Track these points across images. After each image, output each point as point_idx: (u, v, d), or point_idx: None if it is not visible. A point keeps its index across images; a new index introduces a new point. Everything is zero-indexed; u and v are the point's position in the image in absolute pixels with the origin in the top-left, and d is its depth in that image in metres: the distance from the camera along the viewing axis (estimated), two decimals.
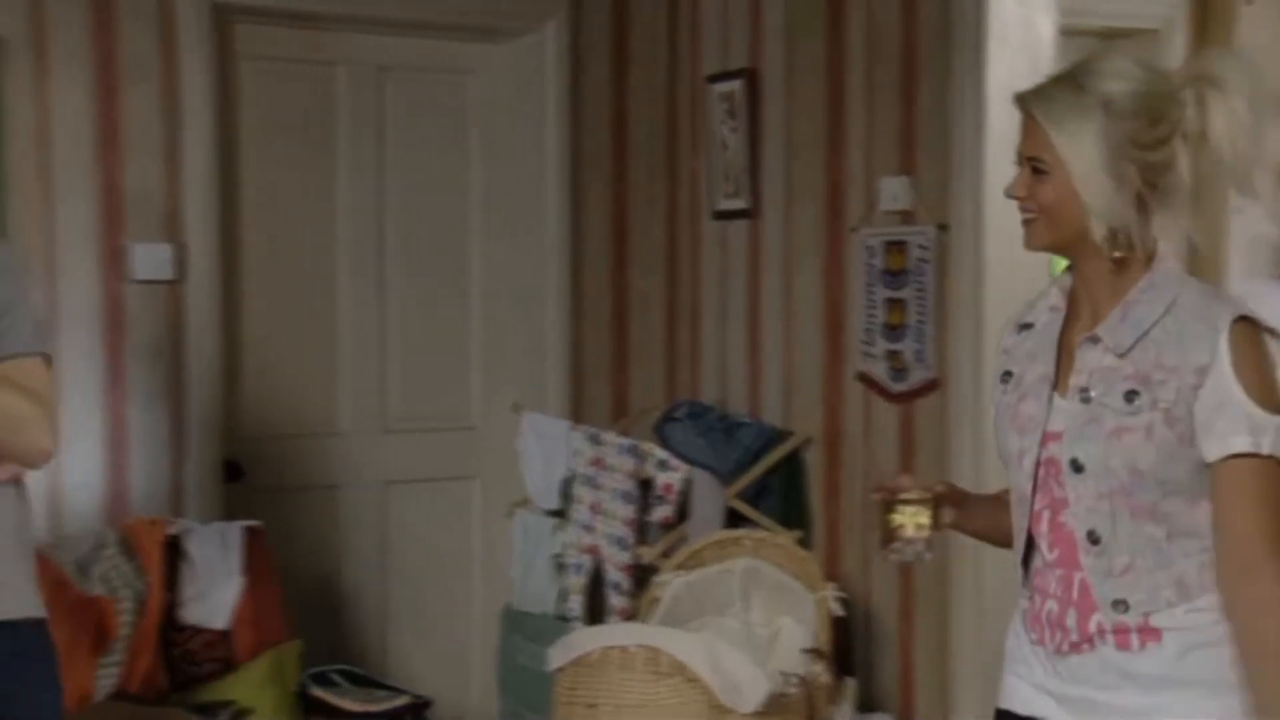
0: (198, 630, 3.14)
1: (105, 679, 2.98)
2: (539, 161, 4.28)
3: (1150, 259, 1.83)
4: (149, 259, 3.64)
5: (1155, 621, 1.79)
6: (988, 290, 3.38)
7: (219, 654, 3.15)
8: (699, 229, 4.33)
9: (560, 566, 3.94)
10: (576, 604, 3.87)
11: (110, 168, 3.61)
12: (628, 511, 3.79)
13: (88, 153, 3.59)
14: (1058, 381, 1.88)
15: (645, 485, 3.82)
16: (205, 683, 3.13)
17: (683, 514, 3.79)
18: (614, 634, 3.20)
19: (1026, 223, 1.87)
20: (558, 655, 3.13)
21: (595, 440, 3.90)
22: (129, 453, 3.65)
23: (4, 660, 2.08)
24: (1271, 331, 1.80)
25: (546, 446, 4.02)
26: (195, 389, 3.73)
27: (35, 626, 2.14)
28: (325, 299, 4.10)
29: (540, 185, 4.29)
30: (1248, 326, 1.77)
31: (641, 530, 3.82)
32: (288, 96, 4.02)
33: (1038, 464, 1.86)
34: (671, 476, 3.78)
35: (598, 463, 3.87)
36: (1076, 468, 1.82)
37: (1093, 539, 1.82)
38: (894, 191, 3.64)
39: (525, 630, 3.91)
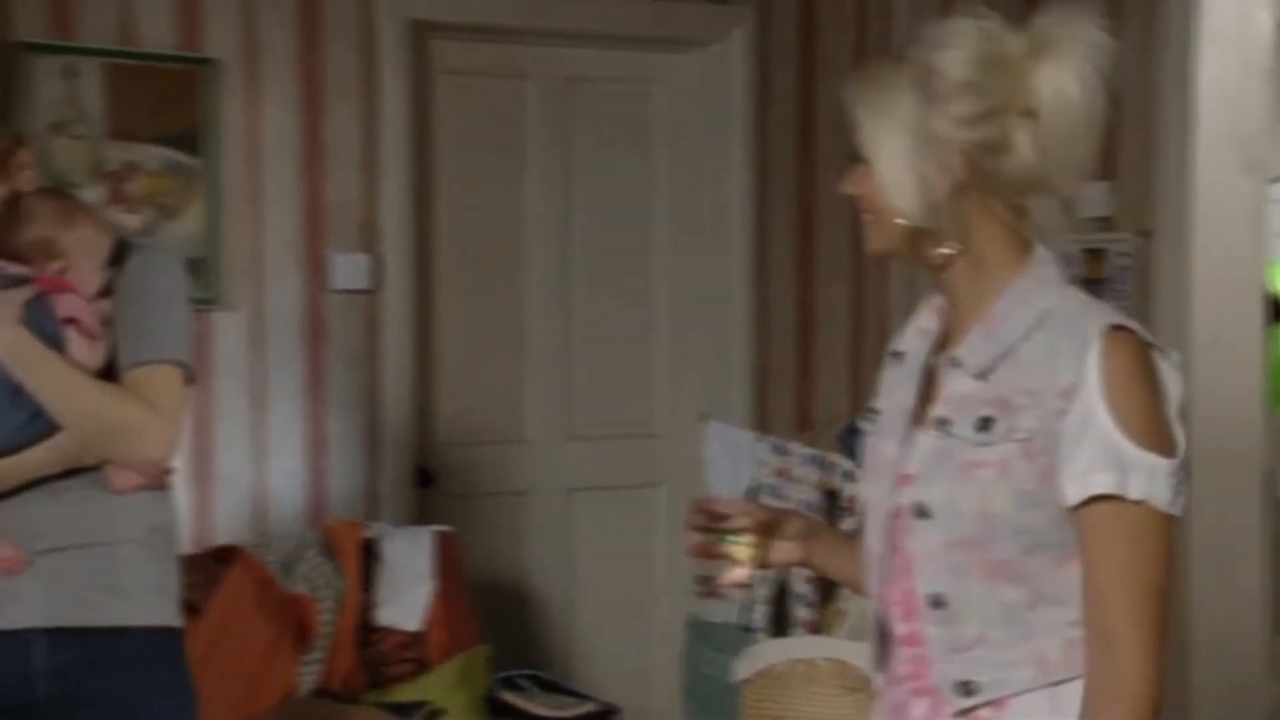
0: (391, 631, 3.22)
1: (308, 675, 3.08)
2: (723, 170, 4.28)
3: (1019, 263, 1.51)
4: (348, 269, 3.76)
5: (1011, 710, 1.46)
6: (1194, 300, 3.25)
7: (412, 655, 3.22)
8: None
9: None
10: (761, 615, 3.84)
11: (313, 181, 3.74)
12: None
13: (293, 167, 3.72)
14: (921, 414, 1.56)
15: (831, 496, 3.77)
16: (398, 683, 3.20)
17: None
18: (801, 646, 3.17)
19: (865, 224, 1.62)
20: (744, 666, 3.11)
21: (780, 450, 3.86)
22: (328, 457, 3.76)
23: (116, 668, 2.09)
24: (1156, 346, 1.46)
25: (731, 456, 4.00)
26: (390, 396, 3.83)
27: (157, 635, 2.14)
28: (513, 308, 4.16)
29: (724, 193, 4.28)
30: (1126, 338, 1.44)
31: None
32: (480, 109, 4.10)
33: (891, 515, 1.54)
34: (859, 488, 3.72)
35: (783, 473, 3.84)
36: (921, 513, 1.49)
37: (936, 603, 1.48)
38: (1092, 197, 3.52)
39: (710, 640, 3.90)
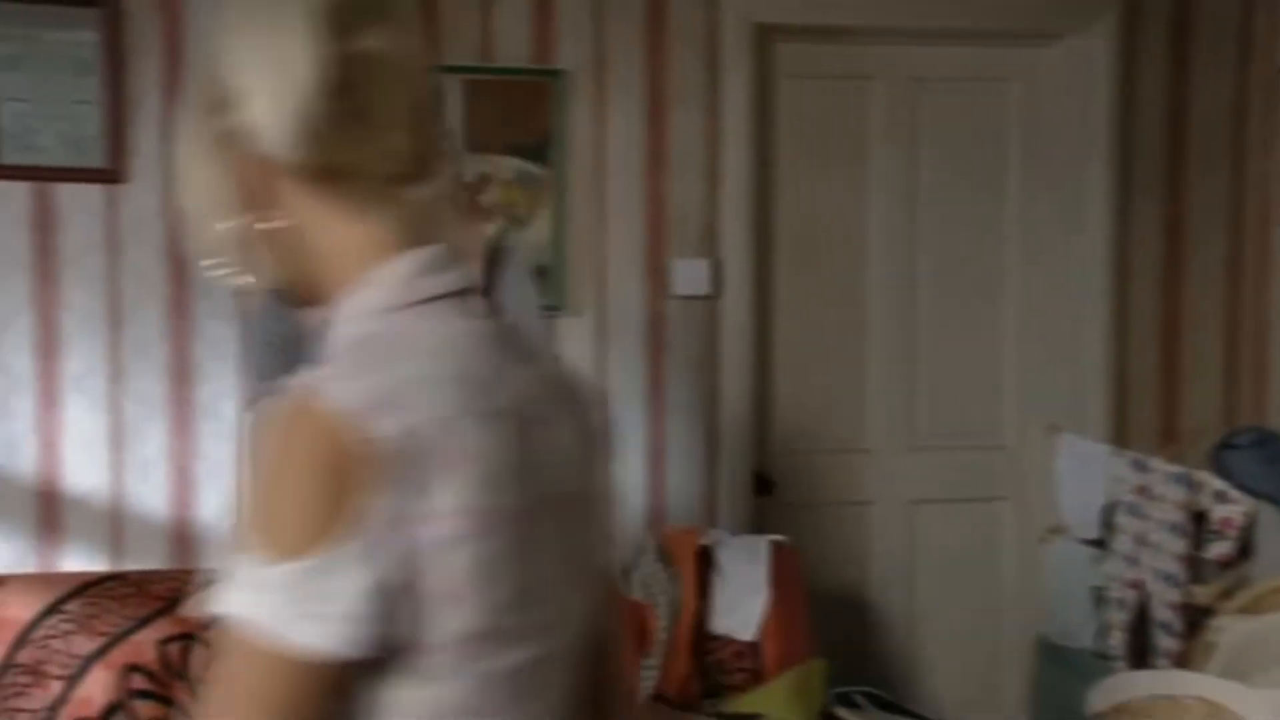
0: (727, 640, 3.20)
1: (645, 680, 3.10)
2: (1082, 170, 4.05)
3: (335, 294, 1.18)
4: (688, 275, 3.77)
5: None
6: None
7: (747, 665, 3.19)
8: (1267, 237, 3.93)
9: (1100, 600, 3.69)
10: (1118, 641, 3.60)
11: (656, 187, 3.78)
12: (1178, 546, 3.48)
13: (636, 174, 3.77)
14: None
15: (1199, 518, 3.49)
16: (733, 693, 3.18)
17: (1244, 552, 3.44)
18: (1166, 681, 2.93)
19: None
20: (1100, 698, 2.92)
21: (1140, 467, 3.61)
22: (667, 463, 3.79)
23: None
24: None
25: (1084, 471, 3.78)
26: (729, 402, 3.82)
27: None
28: (855, 313, 4.08)
29: (1083, 194, 4.05)
30: (299, 410, 1.07)
31: (1194, 567, 3.49)
32: (822, 112, 4.03)
33: None
34: (1232, 510, 3.43)
35: (1142, 491, 3.58)
36: None
37: None
38: None
39: (1061, 664, 3.70)
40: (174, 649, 2.90)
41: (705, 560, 3.24)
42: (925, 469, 4.14)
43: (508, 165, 3.66)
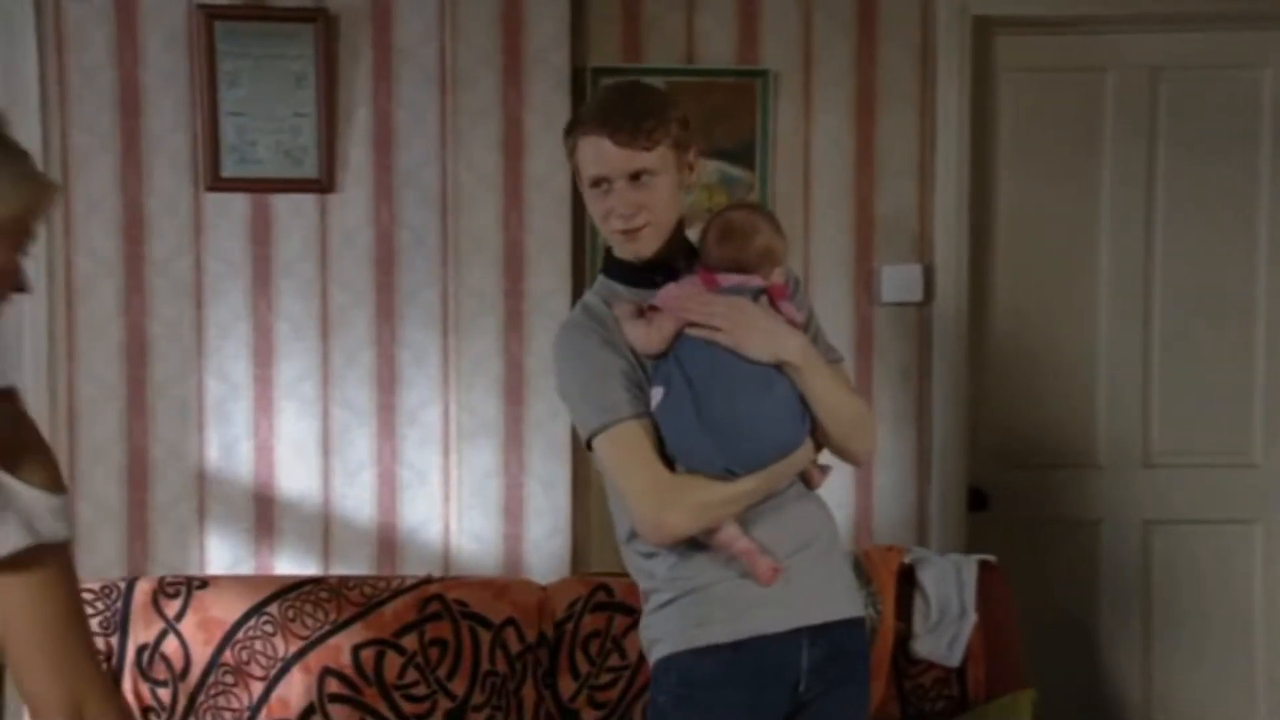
0: (929, 665, 3.04)
1: None
2: None
3: None
4: (897, 281, 3.62)
5: None
6: None
7: (950, 692, 3.02)
8: None
9: None
10: None
11: (863, 190, 3.64)
12: None
13: (843, 176, 3.64)
14: None
15: None
16: None
17: None
18: None
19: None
20: None
21: None
22: (875, 475, 3.64)
23: (853, 656, 2.23)
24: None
25: None
26: (940, 413, 3.65)
27: (863, 623, 2.29)
28: (1082, 321, 3.84)
29: None
30: None
31: None
32: (1048, 107, 3.81)
33: None
34: None
35: None
36: None
37: None
38: None
39: None
40: (368, 654, 2.94)
41: (907, 580, 3.09)
42: (1162, 487, 3.87)
43: (710, 169, 3.59)
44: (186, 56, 3.40)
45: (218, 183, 3.42)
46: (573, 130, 2.23)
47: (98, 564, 3.37)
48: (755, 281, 2.18)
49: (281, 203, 3.45)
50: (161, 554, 3.42)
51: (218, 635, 2.91)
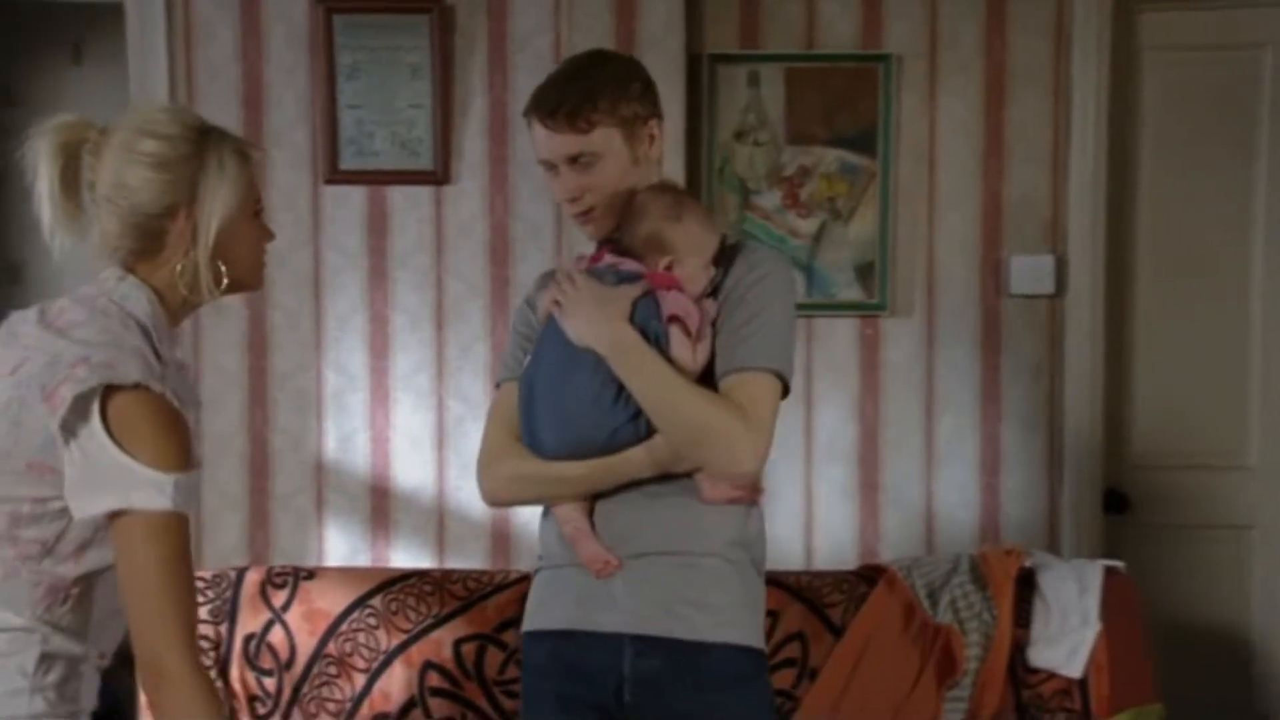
0: (1049, 675, 2.89)
1: (953, 713, 2.85)
2: None
3: None
4: (1028, 272, 3.47)
5: None
6: None
7: (1071, 705, 2.87)
8: None
9: None
10: None
11: (992, 178, 3.50)
12: None
13: (971, 164, 3.50)
14: None
15: None
16: None
17: None
18: None
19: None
20: None
21: None
22: (1002, 475, 3.50)
23: (700, 684, 2.03)
24: None
25: None
26: (1074, 412, 3.48)
27: (741, 654, 2.07)
28: (1232, 315, 3.62)
29: None
30: None
31: None
32: (1197, 88, 3.60)
33: None
34: None
35: None
36: None
37: None
38: None
39: None
40: (469, 649, 2.92)
41: (1026, 585, 2.95)
42: None
43: (830, 157, 3.48)
44: (307, 51, 3.43)
45: (336, 175, 3.45)
46: (526, 110, 2.18)
47: (220, 551, 3.43)
48: (628, 265, 2.07)
49: (397, 195, 3.46)
50: (282, 543, 3.47)
51: (322, 626, 2.93)
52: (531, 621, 2.15)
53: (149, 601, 1.71)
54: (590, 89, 2.08)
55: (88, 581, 1.82)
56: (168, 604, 1.71)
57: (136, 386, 1.73)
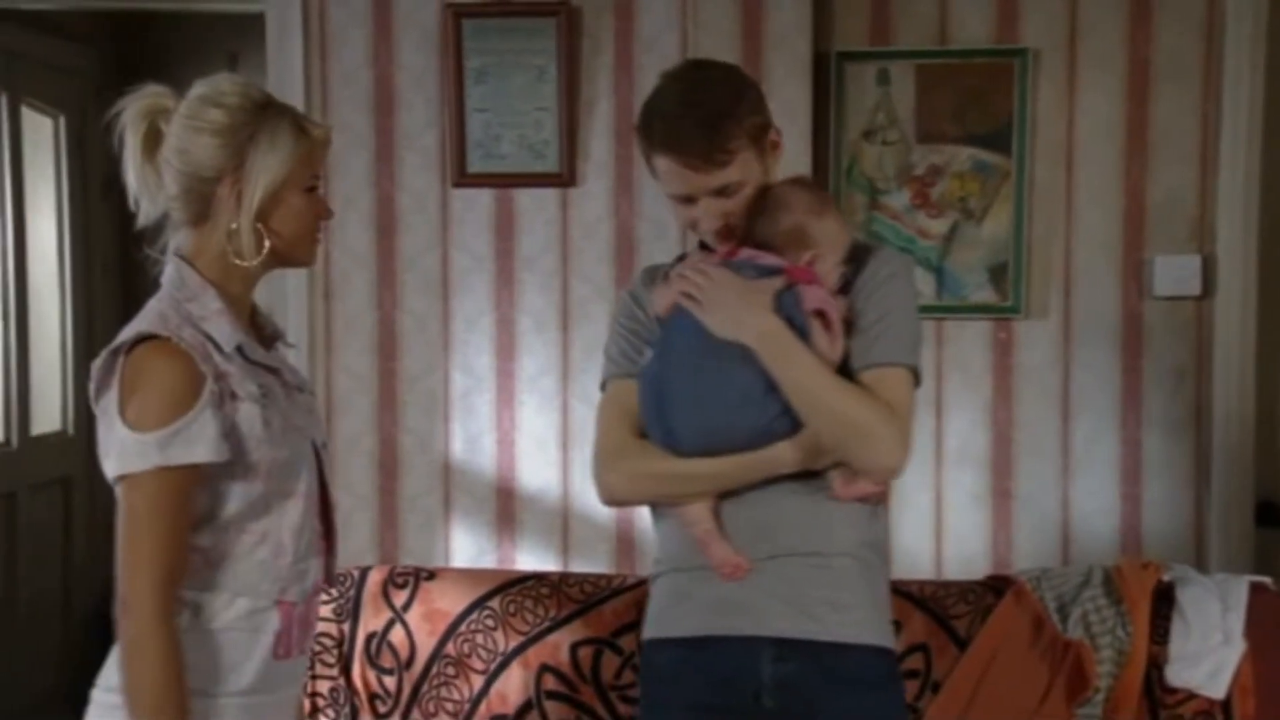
0: (1189, 695, 2.75)
1: None
2: None
3: None
4: (1173, 273, 3.32)
5: None
6: None
7: None
8: None
9: None
10: None
11: (1134, 176, 3.37)
12: None
13: (1112, 161, 3.38)
14: None
15: None
16: None
17: None
18: None
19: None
20: None
21: None
22: (1143, 484, 3.36)
23: (841, 685, 1.97)
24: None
25: None
26: (1222, 418, 3.32)
27: (876, 655, 2.02)
28: None
29: None
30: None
31: None
32: None
33: None
34: None
35: None
36: None
37: None
38: None
39: None
40: (586, 652, 2.90)
41: (1164, 600, 2.81)
42: None
43: (962, 155, 3.39)
44: (436, 55, 3.46)
45: (464, 178, 3.47)
46: (642, 139, 2.07)
47: (350, 550, 3.48)
48: (767, 259, 2.01)
49: (524, 197, 3.47)
50: (410, 543, 3.51)
51: (441, 627, 2.94)
52: (656, 628, 2.10)
53: (125, 552, 1.80)
54: (721, 118, 1.98)
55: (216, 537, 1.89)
56: (140, 556, 1.79)
57: (140, 340, 1.82)
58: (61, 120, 4.53)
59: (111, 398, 1.83)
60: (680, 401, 1.98)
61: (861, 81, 3.42)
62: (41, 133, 4.45)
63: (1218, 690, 2.72)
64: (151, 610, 1.79)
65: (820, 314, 1.97)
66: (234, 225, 1.89)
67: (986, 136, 3.37)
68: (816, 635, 1.97)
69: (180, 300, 1.89)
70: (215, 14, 4.09)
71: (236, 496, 1.87)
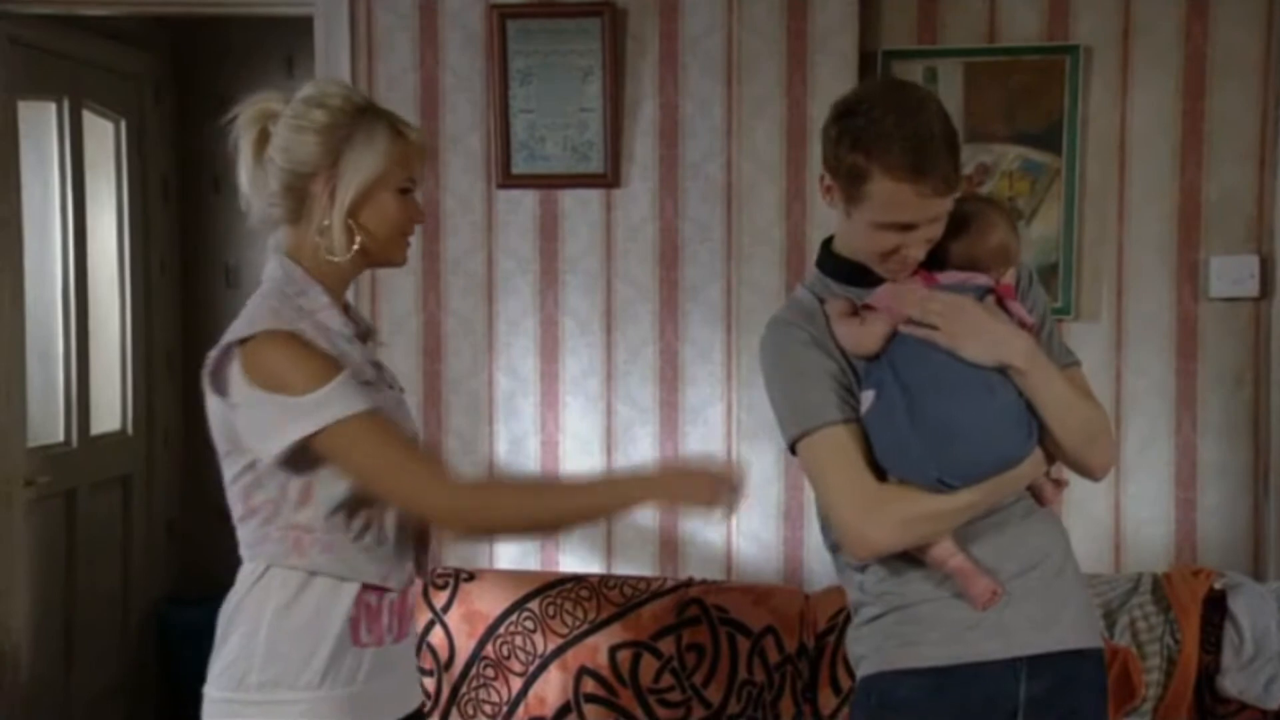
0: (1241, 706, 2.69)
1: None
2: None
3: None
4: (1229, 273, 3.25)
5: None
6: None
7: None
8: None
9: None
10: None
11: (1189, 175, 3.29)
12: None
13: (1166, 160, 3.30)
14: None
15: None
16: None
17: None
18: None
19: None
20: None
21: None
22: (1199, 490, 3.28)
23: (1086, 691, 2.01)
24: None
25: None
26: (1279, 422, 3.23)
27: (1100, 656, 2.06)
28: None
29: None
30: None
31: None
32: None
33: None
34: None
35: None
36: None
37: None
38: None
39: None
40: (625, 656, 2.89)
41: (1215, 608, 2.75)
42: None
43: (1011, 155, 3.33)
44: (482, 56, 3.46)
45: (508, 180, 3.47)
46: (864, 158, 1.91)
47: None
48: (980, 279, 1.97)
49: (568, 198, 3.46)
50: (454, 544, 3.50)
51: (481, 628, 2.94)
52: (893, 661, 2.03)
53: (379, 480, 1.86)
54: (957, 144, 1.94)
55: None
56: (391, 464, 1.85)
57: (256, 335, 1.85)
58: (122, 124, 4.59)
59: (240, 385, 1.85)
60: (946, 435, 1.91)
61: (911, 78, 3.37)
62: (102, 136, 4.51)
63: (1272, 701, 2.67)
64: (447, 491, 1.90)
65: (1029, 327, 1.99)
66: (326, 221, 1.94)
67: (1036, 135, 3.31)
68: (1065, 645, 1.98)
69: (289, 295, 1.94)
70: (269, 18, 4.12)
71: (346, 482, 1.90)
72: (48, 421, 4.16)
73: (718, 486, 1.93)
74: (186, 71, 4.93)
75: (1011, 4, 3.34)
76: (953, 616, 1.96)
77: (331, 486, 1.88)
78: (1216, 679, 2.70)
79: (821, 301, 2.06)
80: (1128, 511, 3.30)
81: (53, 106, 4.18)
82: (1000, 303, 1.96)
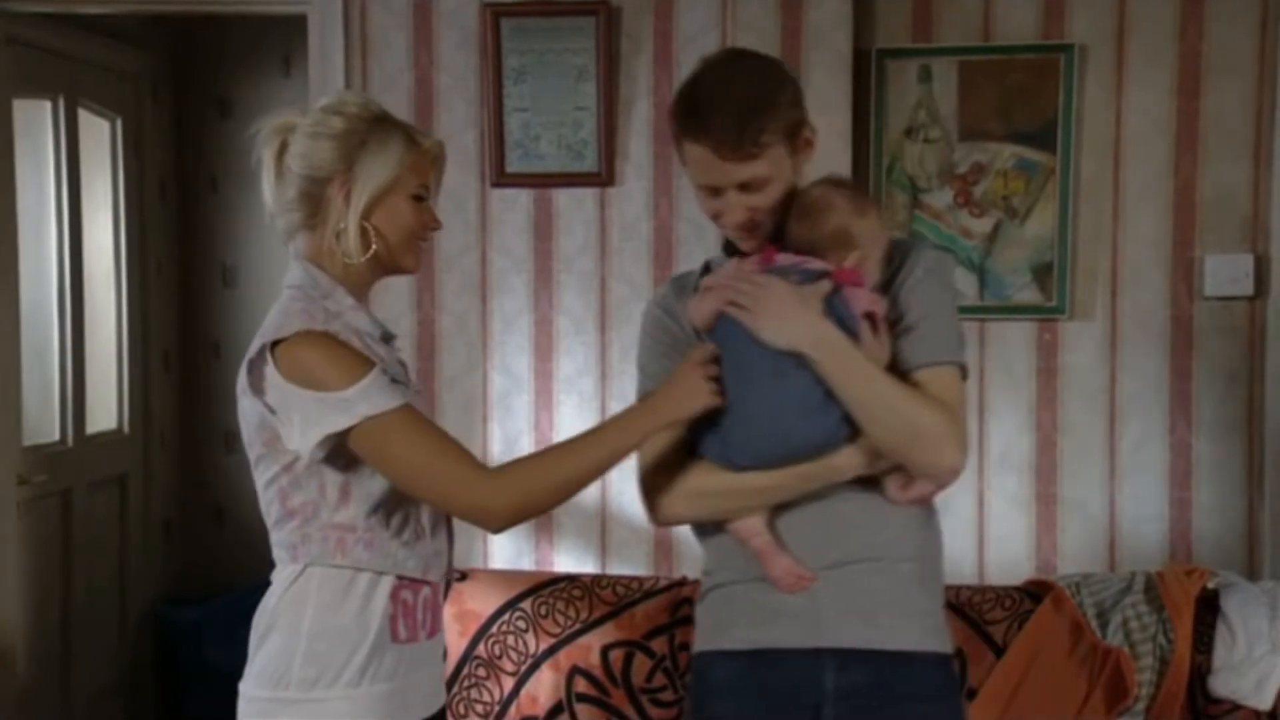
0: (1234, 706, 2.68)
1: None
2: None
3: None
4: (1224, 272, 3.25)
5: None
6: None
7: None
8: None
9: None
10: None
11: (1184, 173, 3.29)
12: None
13: (1161, 158, 3.30)
14: None
15: None
16: None
17: None
18: None
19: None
20: None
21: None
22: (1193, 489, 3.28)
23: (906, 697, 1.92)
24: None
25: None
26: (1275, 422, 3.23)
27: (938, 663, 1.97)
28: None
29: None
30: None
31: None
32: None
33: None
34: None
35: None
36: None
37: None
38: None
39: None
40: (617, 655, 2.89)
41: (1208, 608, 2.74)
42: None
43: (1006, 153, 3.33)
44: (476, 55, 3.46)
45: (503, 178, 3.47)
46: (673, 123, 1.99)
47: None
48: (814, 264, 1.94)
49: (563, 197, 3.46)
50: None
51: (473, 628, 2.94)
52: (711, 641, 2.05)
53: (417, 475, 1.87)
54: (756, 109, 1.92)
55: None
56: (430, 457, 1.87)
57: (291, 335, 1.88)
58: (118, 123, 4.59)
59: (276, 383, 1.88)
60: (736, 415, 1.92)
61: (903, 79, 3.37)
62: (99, 135, 4.51)
63: (1264, 701, 2.66)
64: (488, 486, 1.88)
65: (869, 316, 1.93)
66: (342, 224, 1.97)
67: (1031, 134, 3.31)
68: (881, 644, 1.93)
69: (316, 298, 1.96)
70: (265, 16, 4.12)
71: (383, 480, 1.91)
72: (43, 421, 4.16)
73: (706, 372, 1.91)
74: (184, 71, 4.93)
75: (1006, 2, 3.34)
76: (762, 600, 1.95)
77: (369, 484, 1.91)
78: (1209, 679, 2.69)
79: (705, 274, 2.09)
80: (1123, 511, 3.30)
81: (48, 105, 4.18)
82: (838, 289, 1.92)
